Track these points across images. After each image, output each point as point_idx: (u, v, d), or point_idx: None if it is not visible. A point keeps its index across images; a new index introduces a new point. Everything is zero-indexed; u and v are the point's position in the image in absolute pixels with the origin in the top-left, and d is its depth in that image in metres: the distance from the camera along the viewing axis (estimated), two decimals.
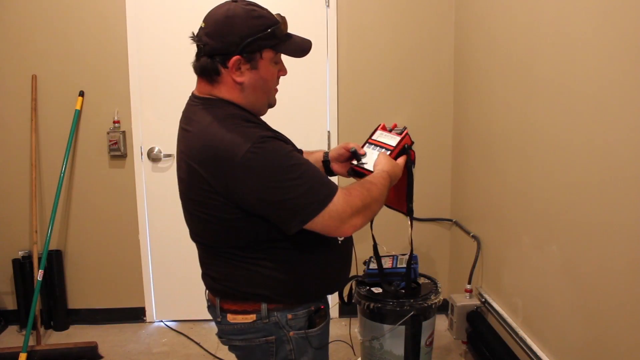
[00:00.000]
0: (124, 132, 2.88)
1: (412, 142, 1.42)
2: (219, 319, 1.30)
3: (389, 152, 1.38)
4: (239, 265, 1.23)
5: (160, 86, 2.85)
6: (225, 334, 1.31)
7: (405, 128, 1.43)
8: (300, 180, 1.10)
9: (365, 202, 1.17)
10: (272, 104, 1.29)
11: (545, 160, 1.86)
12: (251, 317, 1.25)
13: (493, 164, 2.38)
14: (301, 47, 1.23)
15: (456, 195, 2.96)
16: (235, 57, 1.15)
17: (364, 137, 3.09)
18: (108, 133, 2.87)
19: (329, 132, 2.93)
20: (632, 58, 1.37)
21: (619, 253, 1.45)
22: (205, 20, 1.19)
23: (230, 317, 1.27)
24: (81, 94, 2.85)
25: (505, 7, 2.20)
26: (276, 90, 1.28)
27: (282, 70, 1.26)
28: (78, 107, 2.84)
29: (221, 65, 1.17)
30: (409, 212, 1.51)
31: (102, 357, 2.66)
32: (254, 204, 1.13)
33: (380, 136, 1.45)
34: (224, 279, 1.27)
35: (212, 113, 1.18)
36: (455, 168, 2.95)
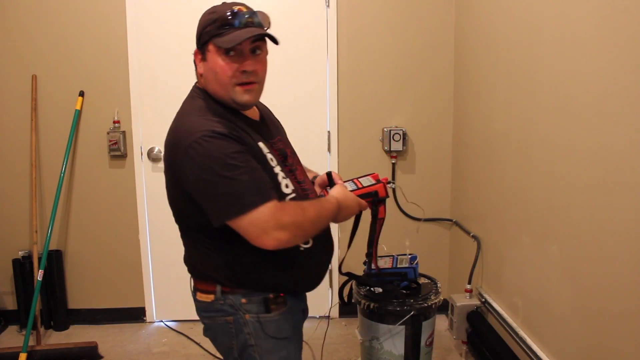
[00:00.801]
0: (124, 132, 2.88)
1: (387, 196, 1.45)
2: (193, 295, 1.39)
3: (354, 189, 1.43)
4: (197, 247, 1.33)
5: (160, 86, 2.85)
6: (197, 311, 1.39)
7: (390, 182, 1.47)
8: (230, 181, 1.13)
9: (296, 220, 1.17)
10: (236, 100, 1.26)
11: (546, 160, 1.86)
12: (210, 297, 1.32)
13: (493, 164, 2.38)
14: (232, 39, 1.20)
15: (456, 195, 2.96)
16: (195, 50, 1.29)
17: (364, 137, 3.11)
18: (108, 133, 2.87)
19: (329, 132, 2.93)
20: (633, 59, 1.37)
21: (619, 253, 1.45)
22: None
23: (198, 295, 1.36)
24: (81, 94, 2.85)
25: (505, 6, 2.20)
26: (242, 89, 1.25)
27: (245, 65, 1.24)
28: (78, 107, 2.84)
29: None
30: (366, 255, 1.59)
31: (102, 357, 2.66)
32: (189, 191, 1.20)
33: (365, 179, 1.50)
34: (189, 257, 1.39)
35: (192, 104, 1.29)
36: (455, 168, 2.95)
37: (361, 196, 1.42)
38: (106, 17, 2.81)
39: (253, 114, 1.39)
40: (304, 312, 1.49)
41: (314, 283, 1.41)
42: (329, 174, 1.46)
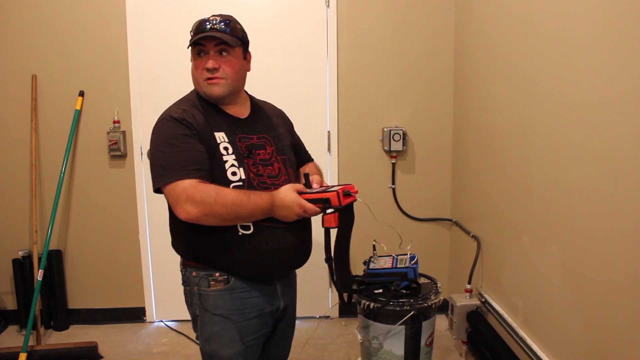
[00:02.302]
0: (124, 132, 2.88)
1: (340, 206, 1.42)
2: None
3: (311, 192, 1.44)
4: (171, 221, 1.51)
5: (160, 86, 2.85)
6: None
7: (347, 193, 1.44)
8: (165, 155, 1.36)
9: (207, 200, 1.32)
10: (206, 92, 1.46)
11: (545, 160, 1.86)
12: (180, 267, 1.56)
13: (493, 164, 2.38)
14: (192, 40, 1.44)
15: (456, 195, 2.96)
16: None
17: (364, 137, 3.10)
18: (108, 133, 2.87)
19: (329, 132, 2.93)
20: (631, 60, 1.37)
21: (619, 253, 1.45)
22: None
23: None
24: (81, 94, 2.85)
25: (505, 7, 2.20)
26: (207, 83, 1.44)
27: (208, 63, 1.44)
28: (78, 107, 2.84)
29: None
30: (325, 260, 1.57)
31: (102, 357, 2.66)
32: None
33: (335, 187, 1.49)
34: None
35: (184, 96, 1.52)
36: (455, 168, 2.95)
37: (313, 201, 1.41)
38: (106, 17, 2.81)
39: (237, 111, 1.53)
40: (268, 302, 1.53)
41: (254, 271, 1.47)
42: (306, 175, 1.52)
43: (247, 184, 1.43)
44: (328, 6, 2.83)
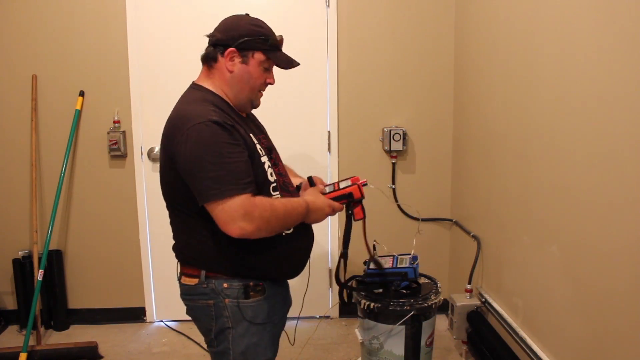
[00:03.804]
0: (124, 132, 2.88)
1: (362, 197, 1.51)
2: (179, 279, 1.50)
3: (330, 191, 1.51)
4: (184, 230, 1.43)
5: (160, 86, 2.85)
6: (181, 294, 1.50)
7: (365, 184, 1.53)
8: (215, 167, 1.25)
9: (263, 215, 1.27)
10: (254, 103, 1.48)
11: (545, 160, 1.86)
12: (194, 281, 1.43)
13: (493, 164, 2.38)
14: (288, 60, 1.45)
15: (456, 195, 2.96)
16: (231, 49, 1.39)
17: (364, 137, 3.10)
18: (108, 133, 2.87)
19: (329, 132, 2.93)
20: (631, 61, 1.37)
21: (619, 253, 1.45)
22: (220, 22, 1.45)
23: (183, 279, 1.47)
24: (81, 94, 2.85)
25: (504, 8, 2.20)
26: (260, 94, 1.48)
27: (271, 79, 1.47)
28: (78, 107, 2.84)
29: (219, 54, 1.41)
30: (342, 255, 1.67)
31: (102, 357, 2.67)
32: (181, 169, 1.30)
33: (344, 182, 1.57)
34: (176, 241, 1.48)
35: (193, 95, 1.41)
36: (456, 168, 2.95)
37: (336, 198, 1.49)
38: (106, 17, 2.81)
39: (242, 113, 1.54)
40: (285, 302, 1.57)
41: (296, 269, 1.52)
42: (309, 178, 1.56)
43: (280, 184, 1.45)
44: (328, 6, 2.83)
